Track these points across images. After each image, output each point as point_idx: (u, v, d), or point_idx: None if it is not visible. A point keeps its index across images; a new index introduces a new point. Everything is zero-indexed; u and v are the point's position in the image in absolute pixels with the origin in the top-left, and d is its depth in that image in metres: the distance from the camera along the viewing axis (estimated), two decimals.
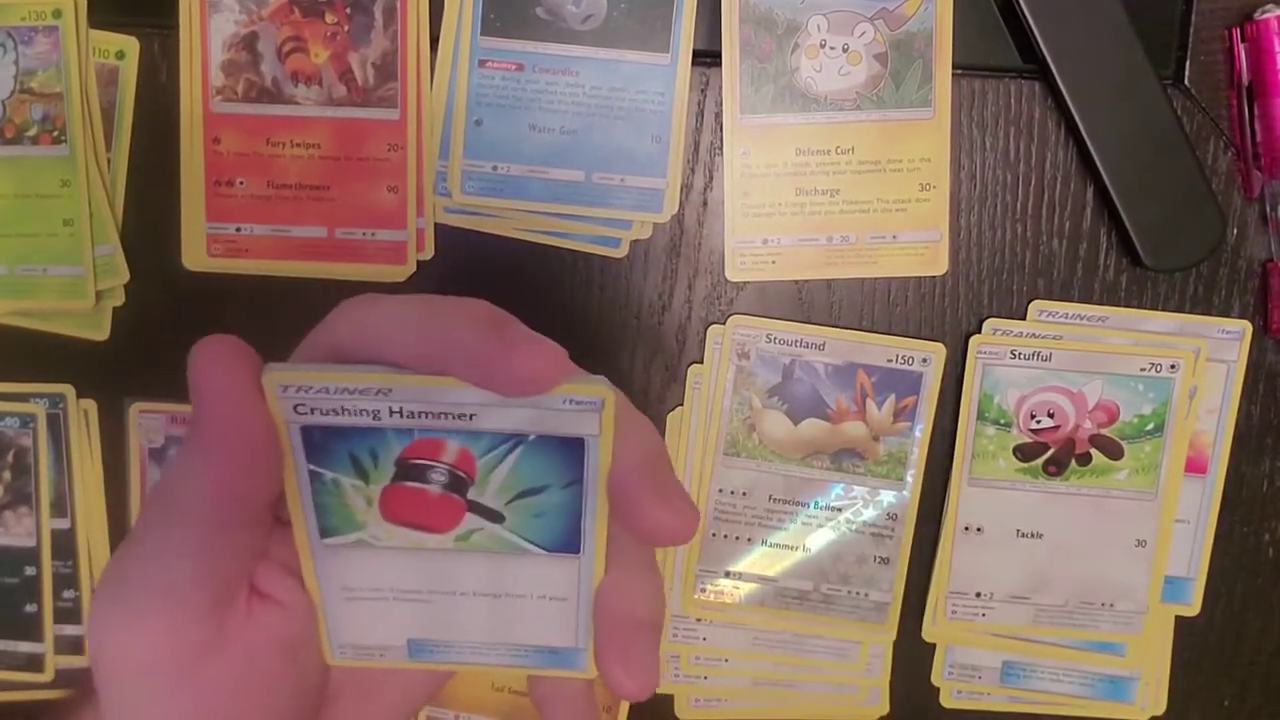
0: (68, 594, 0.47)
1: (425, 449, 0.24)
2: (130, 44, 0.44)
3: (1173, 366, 0.46)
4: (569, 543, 0.25)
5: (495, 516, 0.25)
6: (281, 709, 0.26)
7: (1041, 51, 0.44)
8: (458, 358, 0.22)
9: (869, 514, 0.47)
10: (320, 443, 0.23)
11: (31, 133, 0.44)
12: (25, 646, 0.47)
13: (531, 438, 0.23)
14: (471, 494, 0.24)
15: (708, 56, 0.45)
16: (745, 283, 0.46)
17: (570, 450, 0.24)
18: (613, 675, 0.25)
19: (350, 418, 0.23)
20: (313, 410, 0.23)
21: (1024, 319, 0.46)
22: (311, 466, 0.24)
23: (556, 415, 0.23)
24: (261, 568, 0.25)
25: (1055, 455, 0.47)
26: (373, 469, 0.24)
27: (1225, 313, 0.47)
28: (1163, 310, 0.47)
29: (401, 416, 0.23)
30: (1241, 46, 0.45)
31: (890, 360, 0.46)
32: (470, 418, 0.23)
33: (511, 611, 0.26)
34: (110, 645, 0.24)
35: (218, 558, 0.24)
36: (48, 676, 0.47)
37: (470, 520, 0.25)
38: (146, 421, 0.46)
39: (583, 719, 0.28)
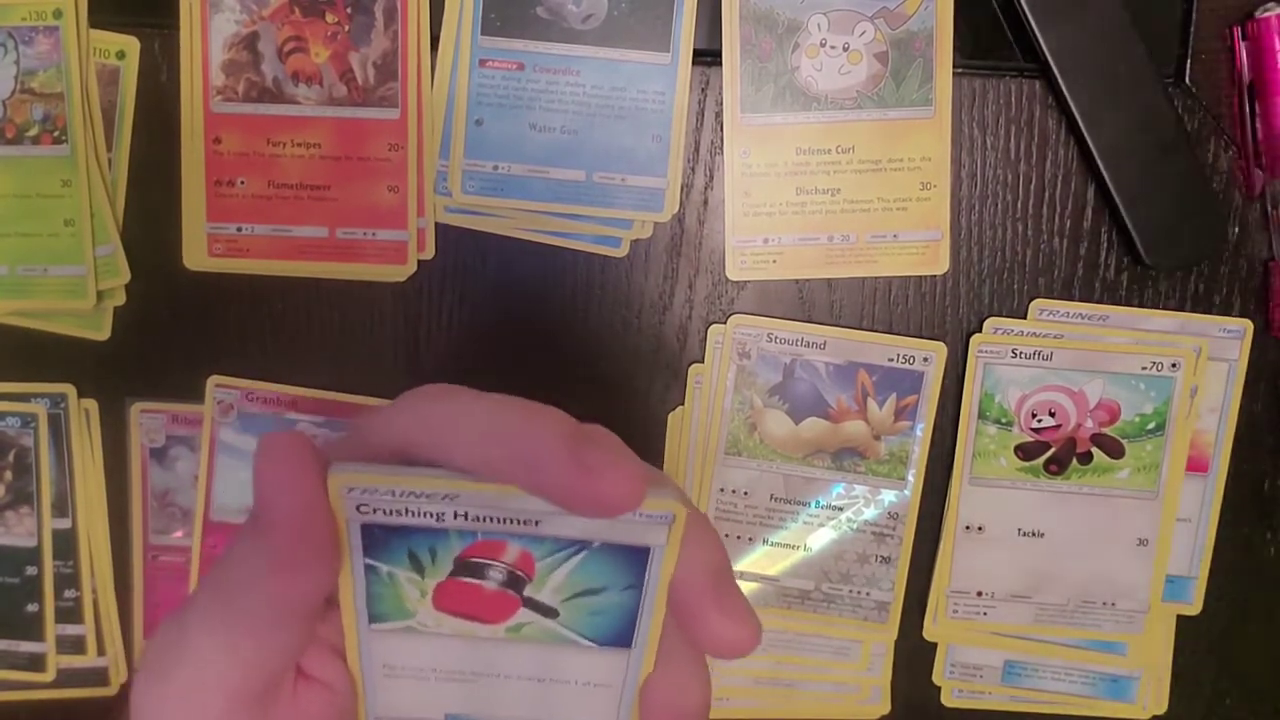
0: (69, 594, 0.47)
1: (486, 550, 0.23)
2: (131, 44, 0.44)
3: (1174, 365, 0.46)
4: (621, 638, 0.25)
5: (550, 612, 0.25)
6: None
7: (1042, 50, 0.44)
8: (538, 479, 0.21)
9: (870, 513, 0.47)
10: (380, 540, 0.23)
11: (32, 133, 0.44)
12: (27, 646, 0.47)
13: (596, 545, 0.23)
14: (528, 591, 0.24)
15: (708, 56, 0.45)
16: (746, 282, 0.46)
17: (634, 557, 0.23)
18: None
19: (413, 519, 0.23)
20: (375, 510, 0.23)
21: (1025, 318, 0.46)
22: (368, 560, 0.24)
23: (625, 526, 0.23)
24: (310, 651, 0.25)
25: (1056, 454, 0.47)
26: (430, 565, 0.24)
27: (1226, 312, 0.47)
28: (1164, 309, 0.47)
29: (466, 520, 0.23)
30: (1242, 45, 0.45)
31: (891, 359, 0.46)
32: (535, 524, 0.23)
33: (554, 695, 0.26)
34: None
35: (273, 651, 0.24)
36: (49, 676, 0.47)
37: (523, 614, 0.25)
38: (147, 421, 0.47)
39: None
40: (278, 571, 0.23)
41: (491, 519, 0.23)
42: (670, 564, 0.23)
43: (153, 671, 0.24)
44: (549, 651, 0.25)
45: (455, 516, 0.23)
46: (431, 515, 0.23)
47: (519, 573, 0.24)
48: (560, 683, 0.26)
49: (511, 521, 0.23)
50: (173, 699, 0.24)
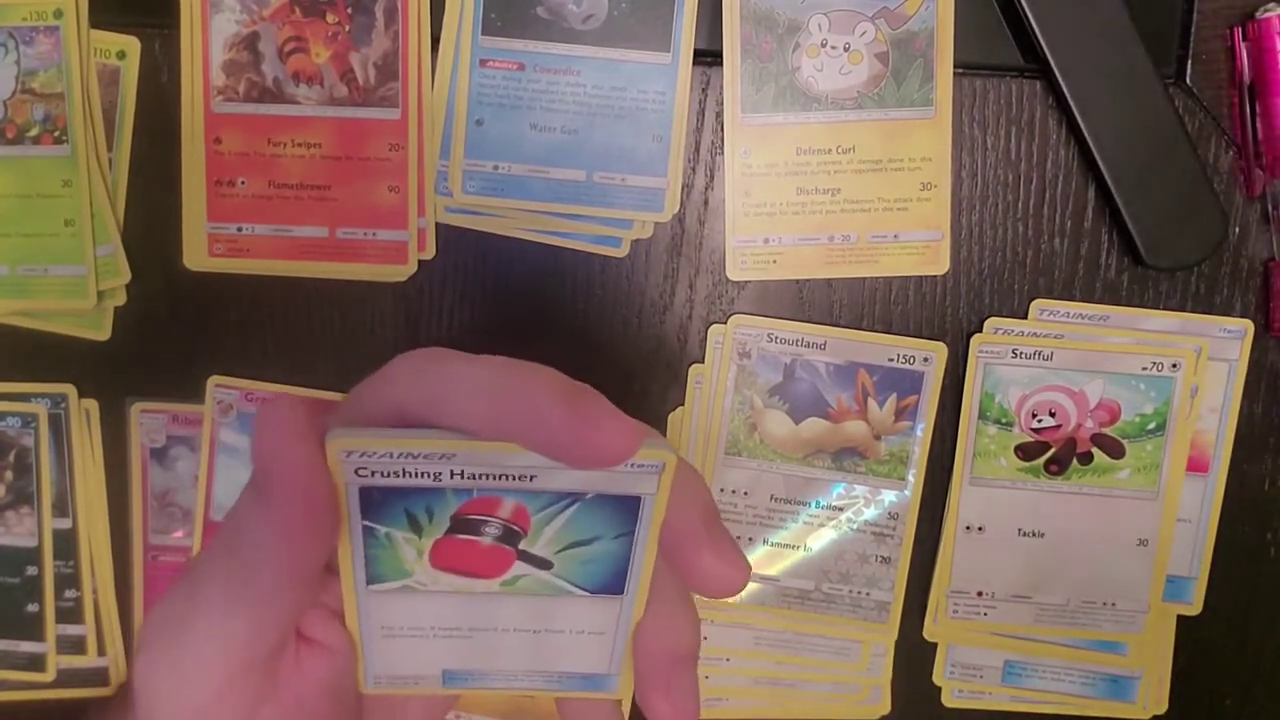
0: (69, 593, 0.47)
1: (482, 506, 0.24)
2: (131, 44, 0.44)
3: (1174, 365, 0.46)
4: (613, 585, 0.25)
5: (544, 564, 0.25)
6: None
7: (1043, 50, 0.44)
8: (534, 432, 0.22)
9: (870, 513, 0.47)
10: (377, 501, 0.23)
11: (33, 133, 0.44)
12: (27, 646, 0.47)
13: (589, 496, 0.24)
14: (523, 545, 0.24)
15: (709, 56, 0.45)
16: (746, 282, 0.46)
17: (625, 506, 0.24)
18: (657, 709, 0.26)
19: (411, 479, 0.23)
20: (373, 473, 0.23)
21: (1025, 318, 0.46)
22: (366, 522, 0.24)
23: (617, 477, 0.23)
24: (309, 614, 0.26)
25: (1057, 454, 0.47)
26: (427, 524, 0.24)
27: (1227, 312, 0.47)
28: (1164, 309, 0.47)
29: (463, 478, 0.23)
30: (1243, 45, 0.45)
31: (891, 359, 0.46)
32: (530, 479, 0.23)
33: (548, 644, 0.27)
34: (163, 695, 0.24)
35: (276, 615, 0.24)
36: (49, 676, 0.47)
37: (518, 568, 0.25)
38: (148, 421, 0.47)
39: None
40: (280, 538, 0.23)
41: (487, 475, 0.23)
42: (661, 510, 0.24)
43: (156, 645, 0.24)
44: (543, 603, 0.26)
45: (452, 475, 0.23)
46: (428, 475, 0.23)
47: (514, 527, 0.24)
48: (554, 632, 0.26)
49: (507, 478, 0.23)
50: (179, 671, 0.24)
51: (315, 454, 0.22)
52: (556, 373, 0.23)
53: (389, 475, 0.23)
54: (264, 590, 0.23)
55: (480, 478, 0.23)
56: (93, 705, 0.47)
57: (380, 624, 0.26)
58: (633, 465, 0.23)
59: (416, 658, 0.27)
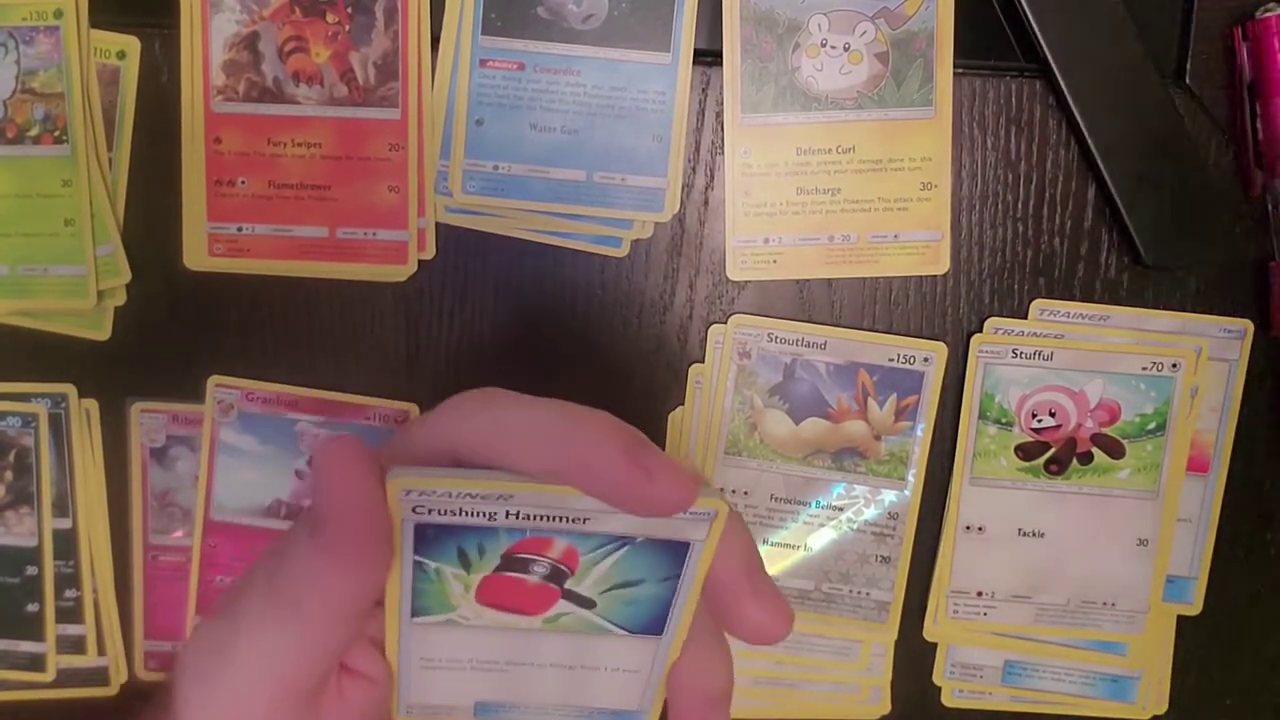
0: (69, 593, 0.47)
1: (534, 546, 0.24)
2: (131, 44, 0.44)
3: (1174, 365, 0.46)
4: (654, 626, 0.26)
5: (587, 604, 0.25)
6: None
7: (1043, 50, 0.44)
8: (593, 481, 0.22)
9: (870, 513, 0.47)
10: (431, 538, 0.24)
11: (33, 132, 0.44)
12: (27, 646, 0.47)
13: (639, 540, 0.24)
14: (569, 584, 0.25)
15: (709, 56, 0.45)
16: (746, 282, 0.46)
17: (674, 551, 0.24)
18: None
19: (466, 519, 0.23)
20: (430, 511, 0.23)
21: (1025, 318, 0.46)
22: (417, 558, 0.24)
23: (670, 523, 0.23)
24: (353, 646, 0.26)
25: (1057, 454, 0.47)
26: (477, 560, 0.24)
27: (1227, 312, 0.47)
28: (1164, 309, 0.47)
29: (518, 519, 0.23)
30: (1243, 45, 0.45)
31: (891, 359, 0.46)
32: (584, 522, 0.23)
33: (583, 680, 0.27)
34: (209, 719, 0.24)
35: (325, 650, 0.24)
36: (49, 676, 0.47)
37: (562, 605, 0.25)
38: (148, 421, 0.47)
39: None
40: (334, 573, 0.23)
41: (542, 517, 0.23)
42: (708, 557, 0.24)
43: (200, 671, 0.24)
44: (582, 640, 0.26)
45: (508, 515, 0.23)
46: (484, 515, 0.23)
47: (562, 567, 0.24)
48: (590, 669, 0.26)
49: (562, 519, 0.23)
50: (224, 697, 0.24)
51: (375, 491, 0.23)
52: (613, 418, 0.23)
53: (445, 513, 0.23)
54: (312, 624, 0.24)
55: (535, 519, 0.23)
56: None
57: (420, 655, 0.26)
58: (685, 512, 0.23)
59: (451, 689, 0.27)
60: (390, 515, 0.23)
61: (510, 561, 0.24)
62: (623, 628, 0.25)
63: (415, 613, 0.25)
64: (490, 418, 0.24)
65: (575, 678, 0.27)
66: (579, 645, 0.26)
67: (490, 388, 0.25)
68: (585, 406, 0.23)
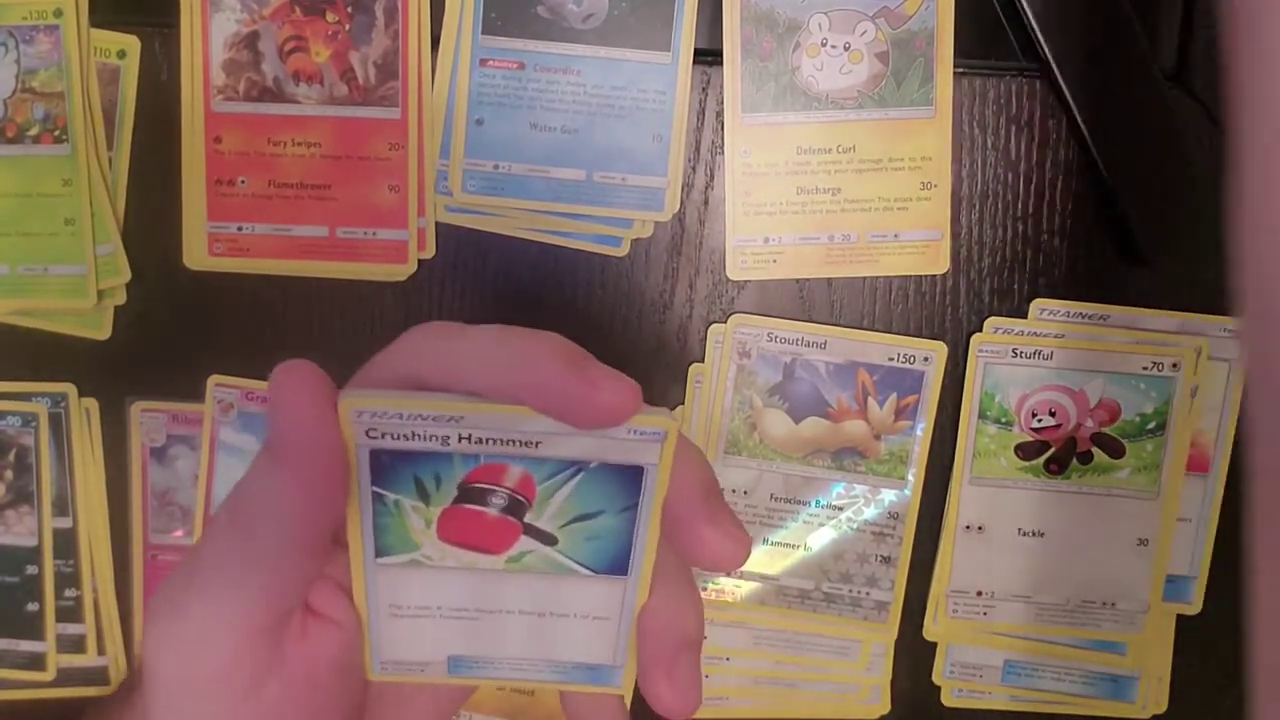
0: (69, 593, 0.47)
1: (488, 474, 0.24)
2: (131, 43, 0.44)
3: (1174, 365, 0.46)
4: (618, 565, 0.26)
5: (549, 539, 0.25)
6: None
7: (1043, 50, 0.44)
8: (538, 392, 0.22)
9: (870, 513, 0.47)
10: (387, 466, 0.24)
11: (33, 132, 0.44)
12: (27, 645, 0.47)
13: (593, 465, 0.24)
14: (528, 517, 0.25)
15: (709, 55, 0.45)
16: (746, 281, 0.46)
17: (629, 477, 0.24)
18: (659, 694, 0.26)
19: (420, 443, 0.23)
20: (384, 435, 0.23)
21: (1025, 317, 0.46)
22: (375, 488, 0.24)
23: (620, 444, 0.23)
24: (317, 587, 0.26)
25: (1057, 454, 0.47)
26: (435, 491, 0.24)
27: (1227, 312, 0.47)
28: (1164, 309, 0.47)
29: (470, 443, 0.23)
30: None
31: (891, 359, 0.46)
32: (536, 445, 0.23)
33: (554, 630, 0.27)
34: (171, 662, 0.24)
35: (285, 580, 0.24)
36: (49, 675, 0.47)
37: (524, 543, 0.25)
38: (148, 420, 0.47)
39: None
40: (290, 497, 0.23)
41: (494, 441, 0.23)
42: (663, 483, 0.24)
43: (165, 607, 0.24)
44: (549, 583, 0.26)
45: (460, 439, 0.23)
46: (437, 438, 0.23)
47: (520, 496, 0.24)
48: (559, 616, 0.26)
49: (513, 443, 0.23)
50: (183, 637, 0.24)
51: (329, 416, 0.23)
52: (560, 337, 0.23)
53: (399, 438, 0.23)
54: (269, 552, 0.23)
55: (487, 442, 0.23)
56: (90, 707, 0.47)
57: (388, 601, 0.26)
58: (634, 432, 0.23)
59: (423, 642, 0.27)
60: (343, 440, 0.23)
61: (468, 492, 0.24)
62: (587, 567, 0.25)
63: (379, 552, 0.25)
64: (440, 344, 0.24)
65: (545, 627, 0.27)
66: (545, 588, 0.26)
67: (442, 321, 0.25)
68: (532, 329, 0.24)
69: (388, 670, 0.27)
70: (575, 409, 0.22)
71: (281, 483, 0.23)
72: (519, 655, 0.27)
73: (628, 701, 0.29)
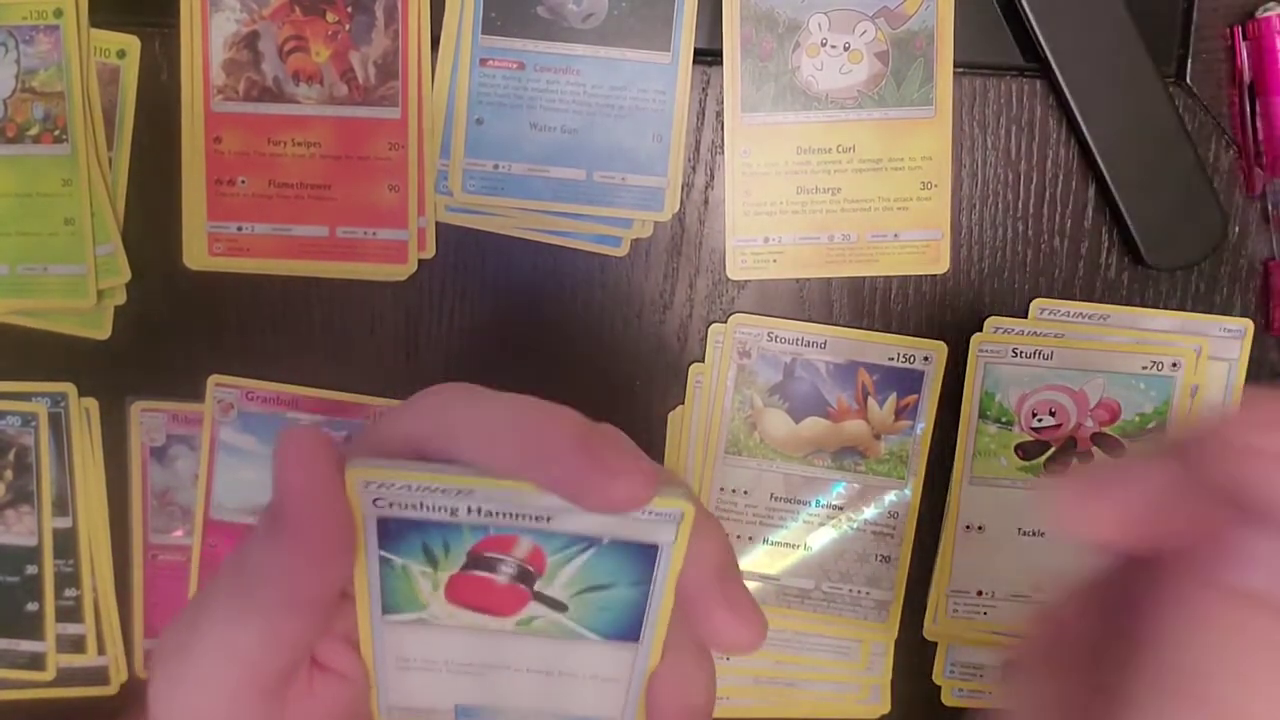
0: (69, 592, 0.47)
1: (498, 544, 0.24)
2: (131, 43, 0.44)
3: (1174, 365, 0.46)
4: (629, 632, 0.25)
5: (559, 607, 0.25)
6: None
7: (1043, 49, 0.44)
8: (551, 475, 0.22)
9: (870, 512, 0.47)
10: (394, 532, 0.24)
11: (33, 132, 0.44)
12: (27, 645, 0.47)
13: (605, 542, 0.24)
14: (538, 586, 0.24)
15: (709, 55, 0.45)
16: (746, 281, 0.46)
17: (643, 555, 0.24)
18: None
19: (428, 513, 0.23)
20: (391, 504, 0.23)
21: (1025, 317, 0.46)
22: (383, 553, 0.24)
23: (634, 524, 0.23)
24: (325, 641, 0.26)
25: (1057, 454, 0.47)
26: (443, 558, 0.24)
27: (1227, 311, 0.47)
28: (1164, 309, 0.47)
29: (479, 515, 0.23)
30: (1243, 44, 0.45)
31: (891, 359, 0.46)
32: (547, 520, 0.23)
33: (562, 688, 0.26)
34: (175, 712, 0.24)
35: (288, 637, 0.24)
36: (49, 675, 0.47)
37: (533, 608, 0.25)
38: (148, 420, 0.47)
39: None
40: (295, 564, 0.23)
41: (504, 514, 0.23)
42: (678, 561, 0.24)
43: (168, 662, 0.24)
44: (557, 645, 0.26)
45: (469, 511, 0.23)
46: (445, 510, 0.23)
47: (529, 567, 0.24)
48: (568, 675, 0.26)
49: (523, 517, 0.23)
50: (188, 688, 0.24)
51: (333, 482, 0.23)
52: (577, 414, 0.23)
53: (406, 507, 0.23)
54: (269, 613, 0.23)
55: (497, 515, 0.23)
56: None
57: (395, 655, 0.26)
58: (650, 513, 0.23)
59: (430, 691, 0.27)
60: (348, 506, 0.23)
61: (477, 560, 0.24)
62: (597, 633, 0.25)
63: (386, 610, 0.25)
64: (451, 412, 0.24)
65: (554, 684, 0.26)
66: (554, 650, 0.26)
67: (460, 383, 0.24)
68: (550, 402, 0.23)
69: (394, 717, 0.27)
70: (588, 498, 0.22)
71: (282, 548, 0.23)
72: (527, 708, 0.27)
73: None
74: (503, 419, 0.23)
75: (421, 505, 0.23)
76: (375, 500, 0.23)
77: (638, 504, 0.22)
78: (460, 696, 0.27)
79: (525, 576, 0.24)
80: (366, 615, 0.25)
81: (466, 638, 0.26)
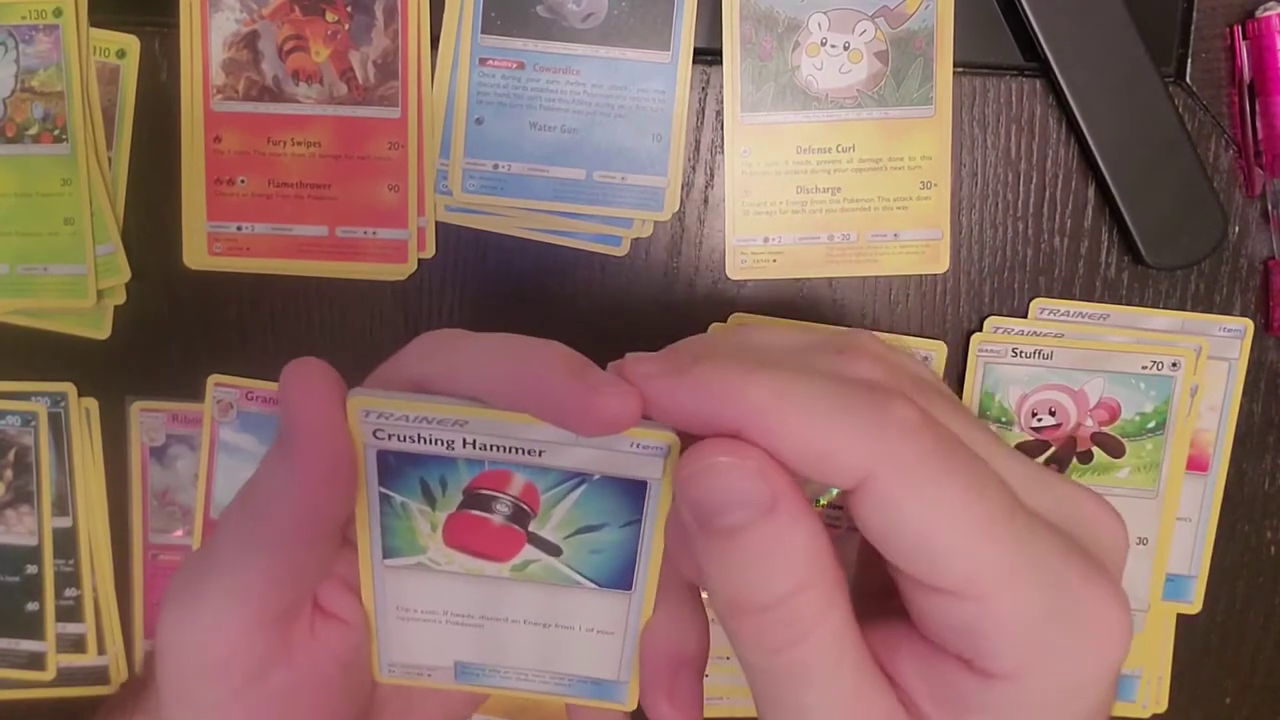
0: (69, 592, 0.47)
1: (493, 480, 0.24)
2: (131, 43, 0.44)
3: (1174, 364, 0.46)
4: (622, 579, 0.26)
5: (553, 549, 0.25)
6: None
7: (1043, 49, 0.44)
8: (539, 396, 0.22)
9: None
10: (393, 467, 0.24)
11: (33, 131, 0.44)
12: (27, 645, 0.47)
13: (596, 477, 0.24)
14: (532, 526, 0.25)
15: (708, 55, 0.45)
16: (746, 281, 0.46)
17: (632, 492, 0.24)
18: (660, 712, 0.26)
19: (425, 446, 0.24)
20: (390, 436, 0.24)
21: (1025, 317, 0.46)
22: (382, 489, 0.24)
23: (623, 458, 0.23)
24: (326, 585, 0.26)
25: (1057, 453, 0.47)
26: (441, 496, 0.25)
27: (1226, 311, 0.47)
28: (1164, 308, 0.47)
29: (474, 448, 0.24)
30: (1243, 44, 0.45)
31: None
32: (539, 454, 0.24)
33: (559, 641, 0.27)
34: (182, 648, 0.24)
35: (292, 570, 0.24)
36: (49, 675, 0.47)
37: (528, 551, 0.25)
38: (148, 420, 0.47)
39: None
40: (296, 486, 0.23)
41: (498, 448, 0.23)
42: (666, 498, 0.24)
43: (176, 598, 0.25)
44: (553, 593, 0.26)
45: (464, 444, 0.23)
46: (442, 443, 0.23)
47: (524, 505, 0.25)
48: (564, 628, 0.27)
49: (517, 451, 0.23)
50: (193, 622, 0.24)
51: (337, 411, 0.23)
52: (563, 345, 0.23)
53: (405, 440, 0.23)
54: (276, 537, 0.24)
55: (491, 449, 0.24)
56: (101, 707, 0.48)
57: (395, 603, 0.26)
58: (637, 446, 0.23)
59: (430, 645, 0.27)
60: (351, 436, 0.23)
61: (473, 498, 0.24)
62: (591, 580, 0.26)
63: (387, 554, 0.26)
64: (447, 349, 0.24)
65: (550, 637, 0.27)
66: (550, 599, 0.26)
67: (453, 328, 0.25)
68: (541, 339, 0.24)
69: (395, 673, 0.28)
70: (574, 414, 0.22)
71: (290, 472, 0.23)
72: (525, 665, 0.27)
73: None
74: (497, 350, 0.23)
75: (419, 438, 0.23)
76: (375, 432, 0.23)
77: (625, 420, 0.22)
78: (460, 652, 0.27)
79: (520, 516, 0.25)
80: (367, 558, 0.26)
81: (465, 585, 0.26)
